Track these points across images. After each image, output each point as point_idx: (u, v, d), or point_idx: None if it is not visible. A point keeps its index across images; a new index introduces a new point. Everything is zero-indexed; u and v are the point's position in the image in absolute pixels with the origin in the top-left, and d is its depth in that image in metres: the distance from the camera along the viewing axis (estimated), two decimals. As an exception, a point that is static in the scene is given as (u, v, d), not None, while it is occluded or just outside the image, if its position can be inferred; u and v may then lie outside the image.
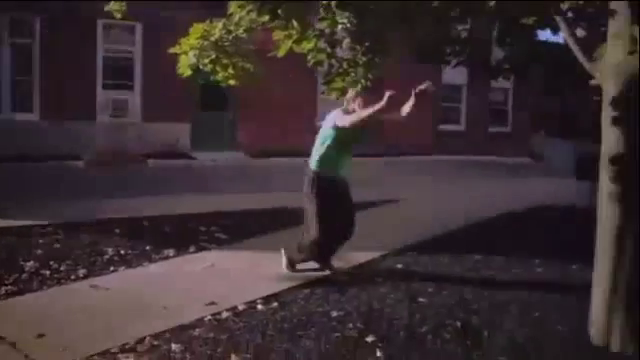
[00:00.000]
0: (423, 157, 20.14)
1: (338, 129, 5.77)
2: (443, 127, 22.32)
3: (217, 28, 5.63)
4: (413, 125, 21.06)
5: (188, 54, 5.70)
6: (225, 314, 5.05)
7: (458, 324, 4.99)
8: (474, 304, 5.51)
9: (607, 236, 4.62)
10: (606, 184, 4.57)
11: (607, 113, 4.52)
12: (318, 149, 5.95)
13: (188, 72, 5.87)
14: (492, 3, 4.37)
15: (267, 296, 5.50)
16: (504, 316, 5.24)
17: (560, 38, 5.64)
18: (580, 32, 4.96)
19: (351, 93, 5.89)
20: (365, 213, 10.04)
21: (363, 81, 5.46)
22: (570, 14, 4.98)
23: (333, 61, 5.66)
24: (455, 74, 19.11)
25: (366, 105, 5.61)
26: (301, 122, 16.96)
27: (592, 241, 4.82)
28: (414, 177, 14.95)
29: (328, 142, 5.88)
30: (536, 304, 5.58)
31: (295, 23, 4.76)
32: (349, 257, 6.64)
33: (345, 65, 5.73)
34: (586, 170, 10.03)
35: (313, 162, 5.95)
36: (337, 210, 5.96)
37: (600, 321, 4.72)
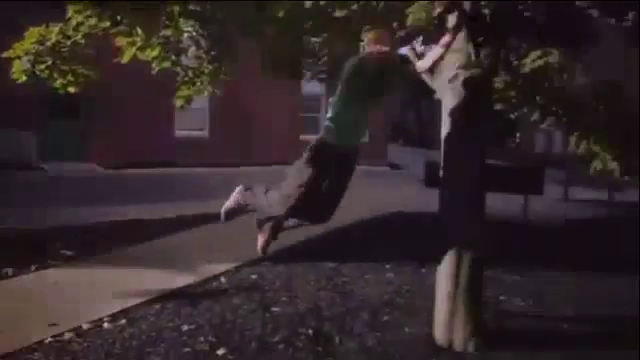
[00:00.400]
0: (288, 166, 20.36)
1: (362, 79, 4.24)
2: (303, 137, 22.69)
3: (53, 33, 5.31)
4: (278, 135, 21.36)
5: (22, 59, 5.35)
6: (68, 335, 4.77)
7: (310, 332, 5.04)
8: (327, 311, 5.60)
9: (447, 240, 4.87)
10: (444, 191, 4.83)
11: (445, 125, 4.77)
12: (332, 107, 4.48)
13: (23, 78, 5.51)
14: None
15: (114, 313, 5.26)
16: (356, 321, 5.37)
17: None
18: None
19: (371, 35, 4.38)
20: (220, 223, 9.95)
21: (210, 89, 5.37)
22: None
23: (179, 69, 5.54)
24: (315, 83, 19.47)
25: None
26: (158, 133, 16.55)
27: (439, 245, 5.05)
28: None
29: (345, 96, 4.33)
30: (386, 308, 5.77)
31: (139, 30, 4.60)
32: (202, 269, 6.53)
33: (191, 74, 5.62)
34: (434, 177, 10.56)
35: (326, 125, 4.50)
36: (329, 185, 4.68)
37: (443, 322, 4.96)
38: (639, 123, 4.87)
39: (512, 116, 8.57)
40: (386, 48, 4.27)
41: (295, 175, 4.57)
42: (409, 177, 19.42)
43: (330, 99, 4.74)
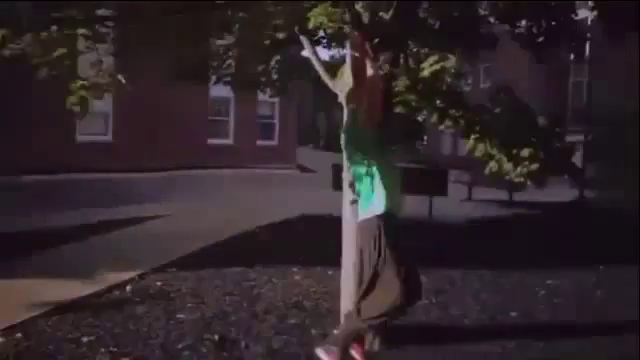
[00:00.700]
0: (196, 171, 20.06)
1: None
2: (211, 141, 22.41)
3: None
4: (185, 139, 20.96)
5: None
6: (-44, 352, 4.51)
7: (216, 337, 4.98)
8: (233, 316, 5.56)
9: (351, 240, 4.92)
10: (347, 193, 4.89)
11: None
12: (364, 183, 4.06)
13: None
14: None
15: (8, 327, 5.00)
16: (262, 325, 5.34)
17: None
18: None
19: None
20: (126, 230, 9.73)
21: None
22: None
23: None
24: (222, 86, 19.28)
25: None
26: (59, 137, 15.86)
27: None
28: (183, 192, 14.84)
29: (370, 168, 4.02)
30: (294, 310, 5.78)
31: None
32: (106, 278, 6.33)
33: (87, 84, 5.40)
34: (341, 180, 10.72)
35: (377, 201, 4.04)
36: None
37: (349, 321, 5.02)
38: (531, 125, 5.13)
39: (419, 119, 8.85)
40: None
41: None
42: (318, 180, 19.58)
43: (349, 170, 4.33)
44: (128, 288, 6.36)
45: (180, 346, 4.77)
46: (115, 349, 4.64)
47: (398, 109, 5.09)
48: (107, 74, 4.58)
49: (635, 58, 14.74)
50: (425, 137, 38.21)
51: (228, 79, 8.26)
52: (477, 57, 5.38)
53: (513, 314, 6.06)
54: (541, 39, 5.35)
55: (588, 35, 9.36)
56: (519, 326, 5.69)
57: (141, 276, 6.76)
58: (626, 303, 6.32)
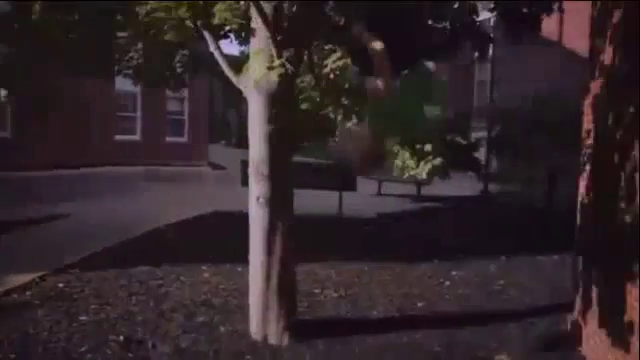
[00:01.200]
0: (103, 168, 19.46)
1: None
2: (119, 137, 21.77)
3: None
4: (90, 135, 20.25)
5: None
6: None
7: (121, 338, 4.86)
8: (139, 316, 5.44)
9: (258, 237, 4.94)
10: (253, 189, 4.89)
11: (252, 125, 4.83)
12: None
13: None
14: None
15: None
16: (169, 324, 5.27)
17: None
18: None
19: None
20: (26, 231, 9.32)
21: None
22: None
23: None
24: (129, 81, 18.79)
25: None
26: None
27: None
28: (87, 190, 14.35)
29: None
30: (202, 308, 5.73)
31: None
32: (3, 280, 6.05)
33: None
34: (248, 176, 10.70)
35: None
36: None
37: (257, 318, 5.03)
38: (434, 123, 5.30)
39: (331, 115, 8.94)
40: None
41: None
42: (229, 177, 19.42)
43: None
44: (28, 291, 6.09)
45: (83, 349, 4.63)
46: (13, 356, 4.45)
47: (304, 106, 5.13)
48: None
49: (532, 57, 15.47)
50: (337, 133, 38.72)
51: (130, 72, 8.04)
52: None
53: (420, 304, 6.25)
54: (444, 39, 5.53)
55: (491, 35, 9.76)
56: (425, 317, 5.87)
57: (42, 278, 6.49)
58: (527, 291, 6.65)
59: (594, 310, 4.75)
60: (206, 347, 4.81)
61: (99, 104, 19.92)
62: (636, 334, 3.91)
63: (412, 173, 4.92)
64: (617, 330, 4.21)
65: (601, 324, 4.53)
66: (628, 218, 4.10)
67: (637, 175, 3.99)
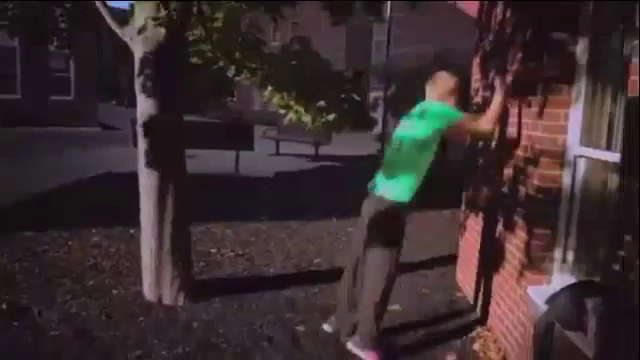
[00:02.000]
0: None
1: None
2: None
3: None
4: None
5: None
6: None
7: (4, 306, 4.61)
8: (24, 283, 5.17)
9: (149, 198, 4.77)
10: (143, 149, 4.70)
11: (138, 79, 4.62)
12: (410, 163, 3.98)
13: None
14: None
15: None
16: (57, 290, 5.04)
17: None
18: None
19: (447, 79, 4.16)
20: None
21: None
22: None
23: None
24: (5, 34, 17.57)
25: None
26: None
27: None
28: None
29: (430, 151, 3.96)
30: (92, 272, 5.54)
31: None
32: None
33: None
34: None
35: (401, 188, 3.95)
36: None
37: (150, 279, 4.90)
38: (327, 78, 5.25)
39: (229, 73, 8.67)
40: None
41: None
42: (121, 137, 18.77)
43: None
44: None
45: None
46: None
47: (194, 59, 4.96)
48: None
49: (426, 17, 15.73)
50: (235, 92, 38.20)
51: (5, 23, 7.44)
52: (278, 12, 5.34)
53: (316, 260, 6.34)
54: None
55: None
56: (322, 272, 5.95)
57: None
58: (417, 243, 6.90)
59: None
60: (96, 311, 4.64)
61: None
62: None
63: (308, 128, 4.85)
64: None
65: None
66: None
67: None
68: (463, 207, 5.87)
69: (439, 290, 5.58)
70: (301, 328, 4.53)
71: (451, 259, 6.18)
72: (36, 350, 3.98)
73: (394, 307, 4.68)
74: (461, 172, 5.97)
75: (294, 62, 5.06)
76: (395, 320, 4.62)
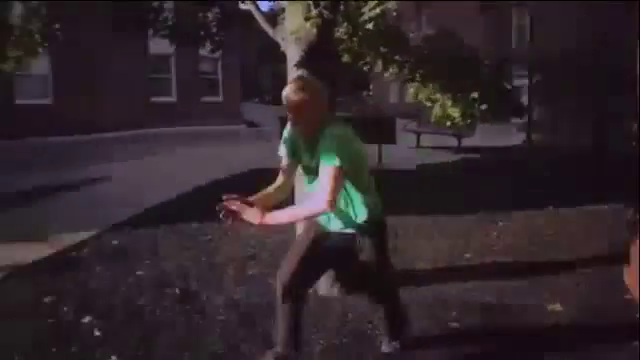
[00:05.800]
0: (136, 131, 19.79)
1: None
2: (154, 99, 22.02)
3: None
4: (124, 99, 20.53)
5: None
6: None
7: (177, 291, 5.03)
8: (192, 270, 5.60)
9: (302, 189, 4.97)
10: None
11: (291, 77, 4.83)
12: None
13: None
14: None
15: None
16: (222, 277, 5.42)
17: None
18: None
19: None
20: (75, 193, 9.61)
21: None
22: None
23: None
24: (163, 43, 18.94)
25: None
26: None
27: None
28: (126, 152, 14.70)
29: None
30: (251, 262, 5.88)
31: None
32: (61, 239, 6.28)
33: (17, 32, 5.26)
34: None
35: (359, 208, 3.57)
36: None
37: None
38: (476, 69, 5.23)
39: (365, 68, 8.78)
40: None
41: None
42: (266, 134, 19.55)
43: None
44: (84, 249, 6.32)
45: (141, 302, 4.81)
46: (77, 308, 4.65)
47: (344, 58, 5.10)
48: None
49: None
50: (371, 87, 38.36)
51: (166, 32, 8.05)
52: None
53: (467, 256, 6.19)
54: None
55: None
56: (473, 267, 5.79)
57: (96, 236, 6.73)
58: (575, 241, 6.58)
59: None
60: (258, 299, 4.91)
61: (133, 67, 20.11)
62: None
63: (453, 121, 4.77)
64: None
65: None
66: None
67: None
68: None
69: (604, 291, 5.15)
70: (455, 324, 4.41)
71: (613, 258, 5.75)
72: (205, 333, 4.26)
73: (555, 307, 4.52)
74: (623, 165, 5.47)
75: (442, 57, 5.07)
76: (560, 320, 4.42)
